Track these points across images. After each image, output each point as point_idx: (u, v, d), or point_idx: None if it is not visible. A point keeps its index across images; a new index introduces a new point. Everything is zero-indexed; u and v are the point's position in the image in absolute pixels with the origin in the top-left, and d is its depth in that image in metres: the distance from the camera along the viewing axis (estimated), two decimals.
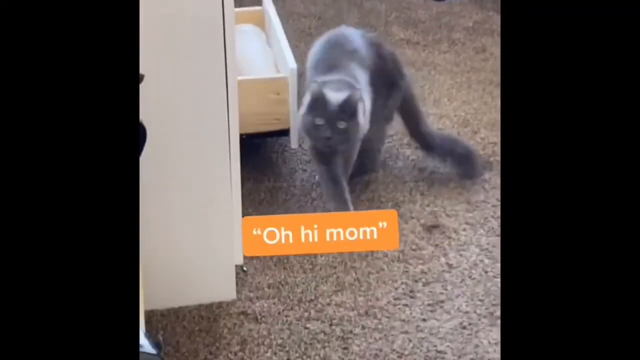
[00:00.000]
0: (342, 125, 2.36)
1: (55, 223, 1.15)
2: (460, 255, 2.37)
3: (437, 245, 2.41)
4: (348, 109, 2.37)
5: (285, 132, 2.65)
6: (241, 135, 2.54)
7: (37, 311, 1.13)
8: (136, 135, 1.38)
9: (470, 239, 2.43)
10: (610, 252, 1.16)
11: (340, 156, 2.47)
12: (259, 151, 2.79)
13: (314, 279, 2.27)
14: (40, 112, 1.15)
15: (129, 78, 1.22)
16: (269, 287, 2.25)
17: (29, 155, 1.15)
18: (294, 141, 2.66)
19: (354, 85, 2.45)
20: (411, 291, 2.24)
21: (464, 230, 2.46)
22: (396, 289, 2.25)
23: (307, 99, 2.42)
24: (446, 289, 2.24)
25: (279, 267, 2.31)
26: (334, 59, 2.53)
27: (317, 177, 2.56)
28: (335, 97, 2.38)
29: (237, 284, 2.23)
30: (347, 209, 2.42)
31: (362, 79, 2.51)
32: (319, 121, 2.36)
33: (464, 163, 2.66)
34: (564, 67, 1.22)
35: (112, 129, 1.19)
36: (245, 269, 2.31)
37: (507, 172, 1.22)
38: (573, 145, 1.19)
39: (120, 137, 1.19)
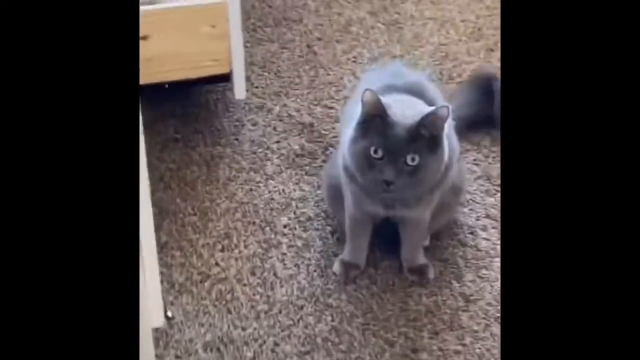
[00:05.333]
0: (413, 161, 1.47)
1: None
2: None
3: None
4: (426, 133, 1.47)
5: (225, 78, 1.85)
6: (165, 84, 1.80)
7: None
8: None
9: None
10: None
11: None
12: (192, 104, 1.99)
13: None
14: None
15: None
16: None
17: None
18: (238, 90, 1.86)
19: (433, 97, 1.59)
20: None
21: None
22: None
23: (356, 112, 1.51)
24: None
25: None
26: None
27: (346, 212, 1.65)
28: (404, 112, 1.48)
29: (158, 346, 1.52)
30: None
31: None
32: (377, 153, 1.48)
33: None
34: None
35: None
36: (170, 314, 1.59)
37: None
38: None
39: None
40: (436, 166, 1.50)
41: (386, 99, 1.48)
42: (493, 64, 2.03)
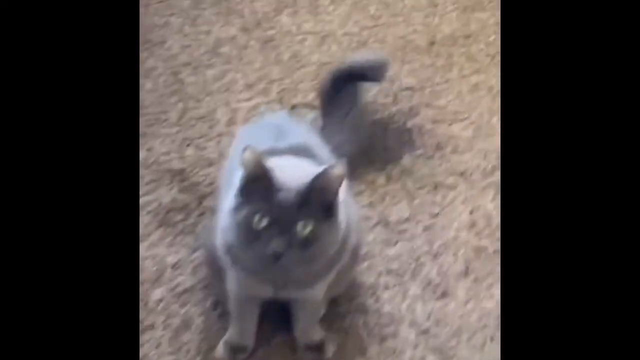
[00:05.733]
0: (306, 228, 1.23)
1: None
2: None
3: None
4: (319, 196, 1.24)
5: None
6: None
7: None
8: None
9: None
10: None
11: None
12: None
13: None
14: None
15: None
16: None
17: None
18: None
19: (323, 157, 1.40)
20: None
21: None
22: None
23: (236, 178, 1.27)
24: None
25: None
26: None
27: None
28: (292, 173, 1.25)
29: None
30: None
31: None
32: (262, 221, 1.23)
33: None
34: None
35: None
36: None
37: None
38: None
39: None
40: (332, 236, 1.27)
41: (270, 161, 1.25)
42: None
